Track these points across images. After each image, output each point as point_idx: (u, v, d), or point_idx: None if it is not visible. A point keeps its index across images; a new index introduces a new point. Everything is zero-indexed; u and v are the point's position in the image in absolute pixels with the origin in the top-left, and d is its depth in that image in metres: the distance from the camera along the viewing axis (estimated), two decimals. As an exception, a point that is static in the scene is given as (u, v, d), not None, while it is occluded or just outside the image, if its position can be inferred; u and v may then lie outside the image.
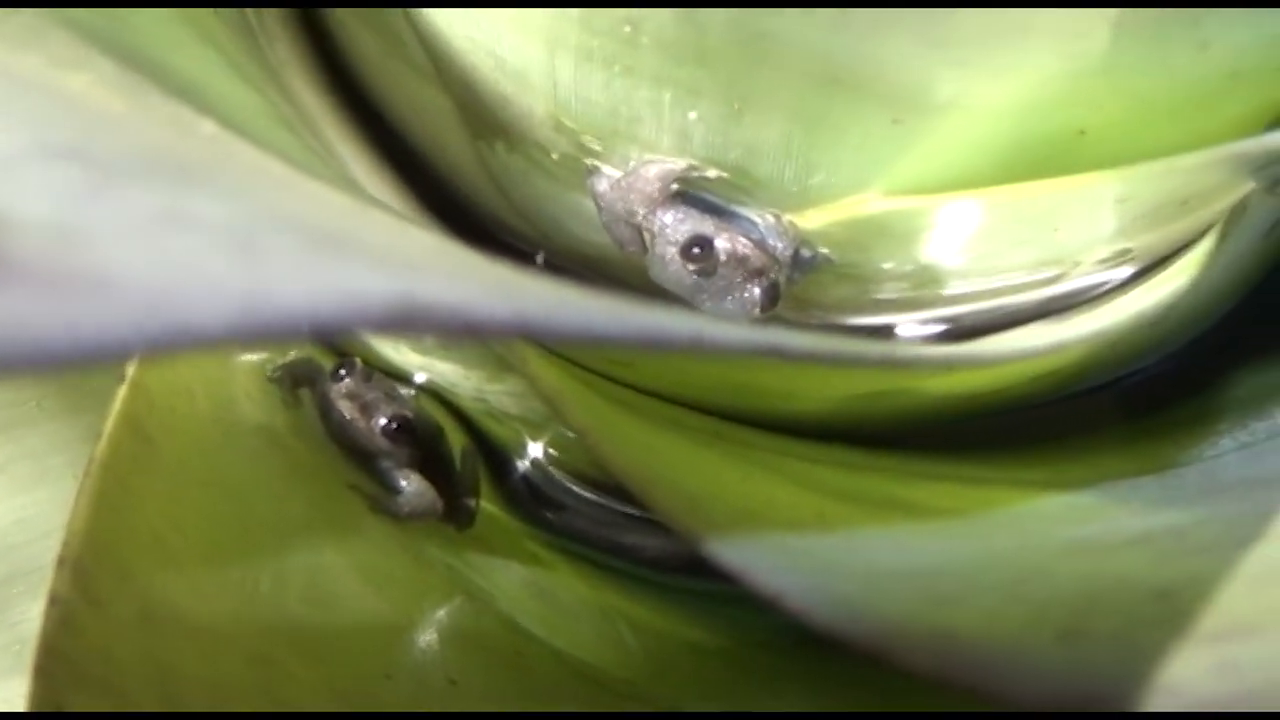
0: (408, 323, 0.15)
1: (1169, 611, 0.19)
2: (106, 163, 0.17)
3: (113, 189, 0.16)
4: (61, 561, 0.23)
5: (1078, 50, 0.22)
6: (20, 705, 0.24)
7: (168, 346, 0.14)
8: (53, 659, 0.23)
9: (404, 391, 0.31)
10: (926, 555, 0.22)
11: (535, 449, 0.33)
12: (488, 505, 0.32)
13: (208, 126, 0.20)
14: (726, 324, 0.17)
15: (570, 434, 0.31)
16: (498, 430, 0.32)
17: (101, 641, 0.24)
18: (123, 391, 0.26)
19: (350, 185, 0.26)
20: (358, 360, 0.30)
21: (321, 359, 0.30)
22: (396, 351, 0.31)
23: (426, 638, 0.29)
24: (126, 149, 0.18)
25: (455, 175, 0.32)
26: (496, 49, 0.25)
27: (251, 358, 0.30)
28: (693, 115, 0.24)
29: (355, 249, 0.16)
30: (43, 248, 0.15)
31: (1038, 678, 0.18)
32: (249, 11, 0.32)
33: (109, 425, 0.25)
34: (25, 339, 0.14)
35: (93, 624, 0.23)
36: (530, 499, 0.33)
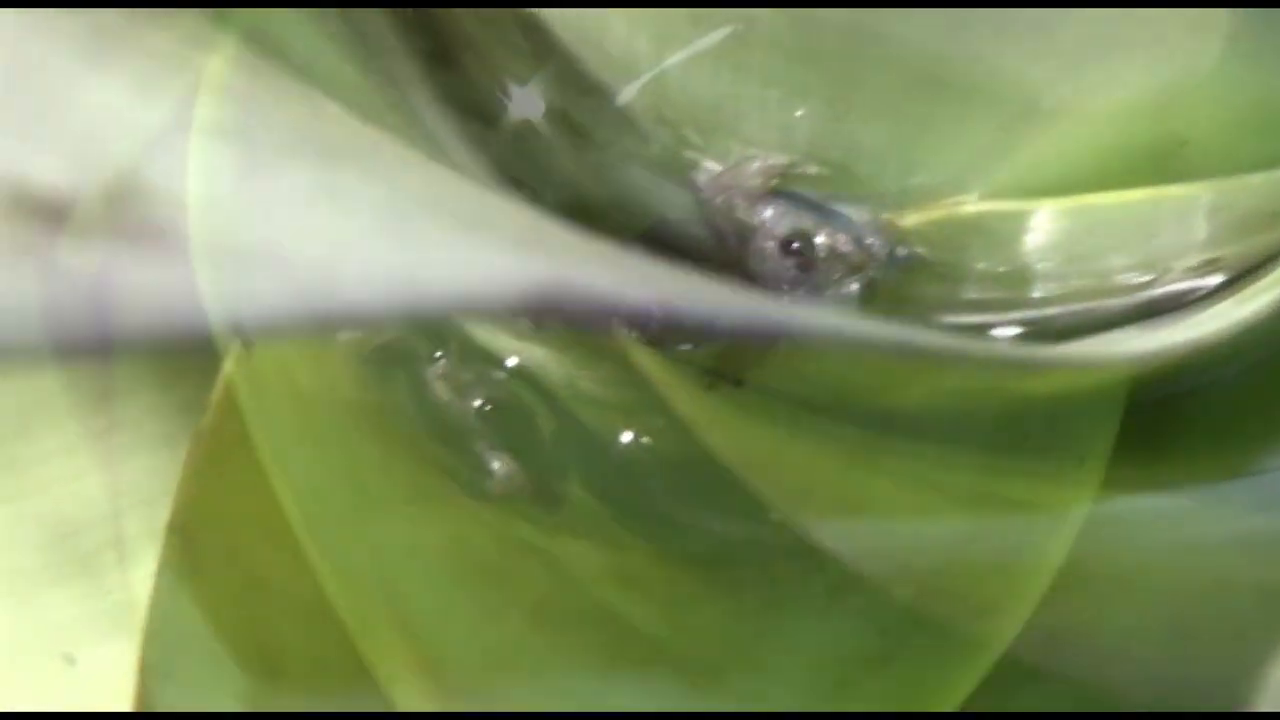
0: (557, 307, 0.15)
1: (1274, 612, 0.19)
2: (255, 140, 0.17)
3: (266, 167, 0.16)
4: (170, 529, 0.24)
5: (1183, 64, 0.22)
6: (115, 672, 0.25)
7: (325, 325, 0.14)
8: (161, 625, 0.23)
9: (497, 375, 0.31)
10: (1026, 551, 0.23)
11: (626, 435, 0.33)
12: (576, 489, 0.32)
13: (332, 108, 0.20)
14: (868, 320, 0.17)
15: (659, 422, 0.31)
16: (588, 415, 0.33)
17: (206, 610, 0.24)
18: (227, 365, 0.26)
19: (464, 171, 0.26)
20: (452, 342, 0.30)
21: (416, 341, 0.31)
22: (490, 335, 0.32)
23: (515, 619, 0.29)
24: (271, 128, 0.18)
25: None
26: (603, 41, 0.26)
27: (347, 337, 0.30)
28: (798, 113, 0.24)
29: (502, 233, 0.16)
30: (202, 223, 0.15)
31: (1149, 673, 0.18)
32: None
33: (214, 397, 0.26)
34: (184, 312, 0.15)
35: (198, 593, 0.24)
36: (619, 483, 0.33)
